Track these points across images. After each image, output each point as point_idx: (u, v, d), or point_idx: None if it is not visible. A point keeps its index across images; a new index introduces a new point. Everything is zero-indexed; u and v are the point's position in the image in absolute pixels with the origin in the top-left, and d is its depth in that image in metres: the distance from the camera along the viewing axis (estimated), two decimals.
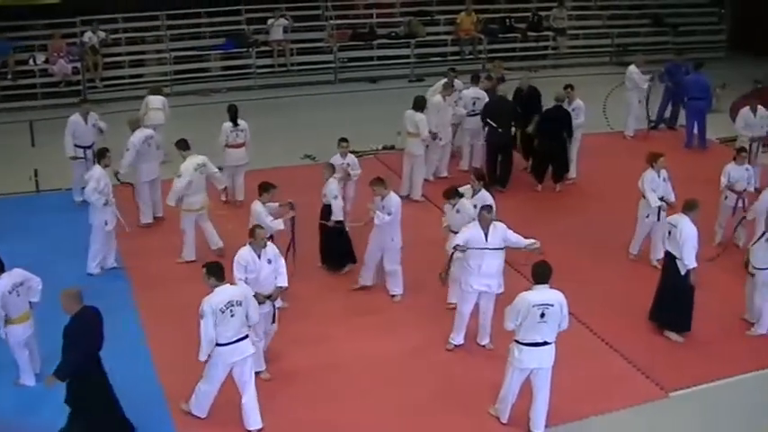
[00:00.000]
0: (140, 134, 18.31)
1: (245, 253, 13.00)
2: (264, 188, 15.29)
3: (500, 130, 20.41)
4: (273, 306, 13.26)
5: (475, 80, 22.13)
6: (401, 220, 15.80)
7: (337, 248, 16.75)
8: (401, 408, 13.11)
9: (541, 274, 12.13)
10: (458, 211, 15.18)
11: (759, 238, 15.01)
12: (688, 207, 14.80)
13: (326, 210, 16.45)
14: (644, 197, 17.09)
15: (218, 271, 11.97)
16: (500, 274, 14.20)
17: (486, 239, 13.87)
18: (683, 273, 14.67)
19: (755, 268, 15.03)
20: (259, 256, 12.99)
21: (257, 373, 12.74)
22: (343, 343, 14.70)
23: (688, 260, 14.50)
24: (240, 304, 11.81)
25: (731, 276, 16.29)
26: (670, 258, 14.87)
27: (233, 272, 12.84)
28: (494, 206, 14.77)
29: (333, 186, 16.33)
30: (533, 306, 11.88)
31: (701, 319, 15.14)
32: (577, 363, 13.79)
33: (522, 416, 12.68)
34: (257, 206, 15.09)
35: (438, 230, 15.85)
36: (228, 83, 29.18)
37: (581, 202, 20.74)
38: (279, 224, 15.00)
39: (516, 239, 14.12)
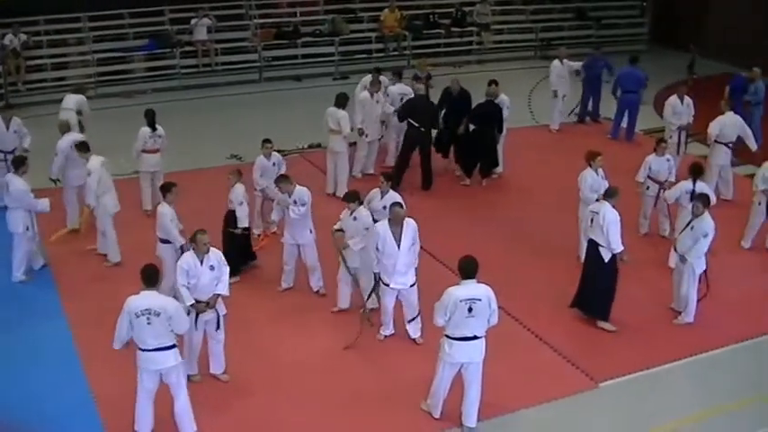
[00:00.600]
0: (69, 138, 18.04)
1: (187, 258, 12.88)
2: (167, 189, 15.14)
3: (422, 129, 20.47)
4: (217, 312, 13.12)
5: (397, 76, 22.20)
6: (327, 217, 15.82)
7: (239, 253, 16.42)
8: (333, 405, 13.16)
9: (468, 269, 12.20)
10: (354, 219, 15.16)
11: (685, 227, 15.25)
12: (608, 194, 15.12)
13: (231, 215, 16.25)
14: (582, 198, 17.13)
15: (147, 276, 11.80)
16: (413, 269, 14.34)
17: (399, 238, 13.97)
18: (606, 260, 14.90)
19: (683, 257, 15.27)
20: (201, 262, 12.84)
21: (189, 377, 12.71)
22: (272, 343, 14.69)
23: (615, 244, 14.74)
24: (158, 315, 11.52)
25: (658, 267, 16.56)
26: (592, 247, 15.06)
27: (176, 277, 12.86)
28: (404, 204, 14.85)
29: (239, 192, 16.15)
30: (460, 301, 11.96)
31: (628, 310, 15.42)
32: (507, 355, 13.91)
33: (454, 410, 12.75)
34: (163, 208, 14.93)
35: None
36: (153, 84, 28.89)
37: (508, 197, 20.93)
38: (177, 233, 14.88)
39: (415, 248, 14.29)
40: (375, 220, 15.13)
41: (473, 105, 21.24)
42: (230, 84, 29.56)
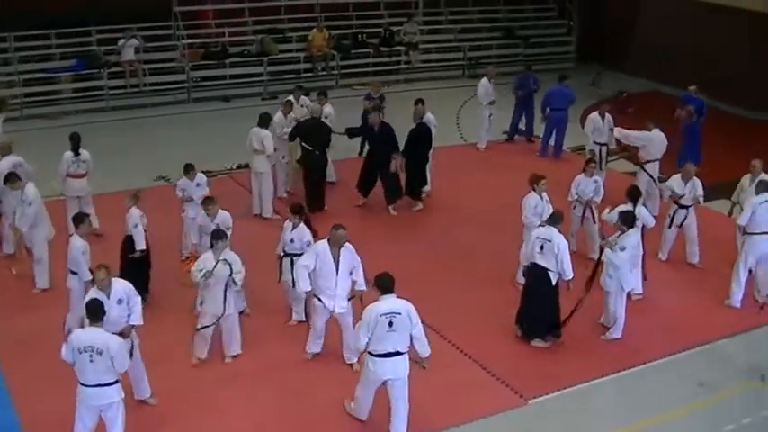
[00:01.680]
0: (7, 161, 17.71)
1: (92, 294, 12.58)
2: (80, 220, 14.91)
3: (316, 152, 20.39)
4: (132, 342, 12.90)
5: (322, 96, 22.16)
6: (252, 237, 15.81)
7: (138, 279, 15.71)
8: (258, 425, 13.18)
9: (385, 285, 12.33)
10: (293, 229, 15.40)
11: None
12: (554, 219, 15.25)
13: (129, 240, 16.05)
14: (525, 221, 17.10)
15: (93, 311, 11.63)
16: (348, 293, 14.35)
17: (338, 260, 13.96)
18: (554, 283, 15.12)
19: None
20: (108, 296, 12.63)
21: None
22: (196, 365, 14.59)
23: (568, 272, 14.99)
24: (101, 353, 11.34)
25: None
26: (538, 270, 15.18)
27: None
28: (311, 240, 15.04)
29: (134, 215, 15.93)
30: (380, 315, 12.07)
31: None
32: (437, 373, 13.93)
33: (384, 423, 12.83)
34: (75, 241, 14.67)
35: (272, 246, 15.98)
36: (80, 105, 28.62)
37: (434, 216, 20.95)
38: (86, 268, 14.51)
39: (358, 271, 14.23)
40: (287, 254, 15.39)
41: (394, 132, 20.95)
42: (158, 104, 29.39)
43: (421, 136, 20.96)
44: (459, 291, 17.26)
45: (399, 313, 12.17)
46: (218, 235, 14.27)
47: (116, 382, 11.65)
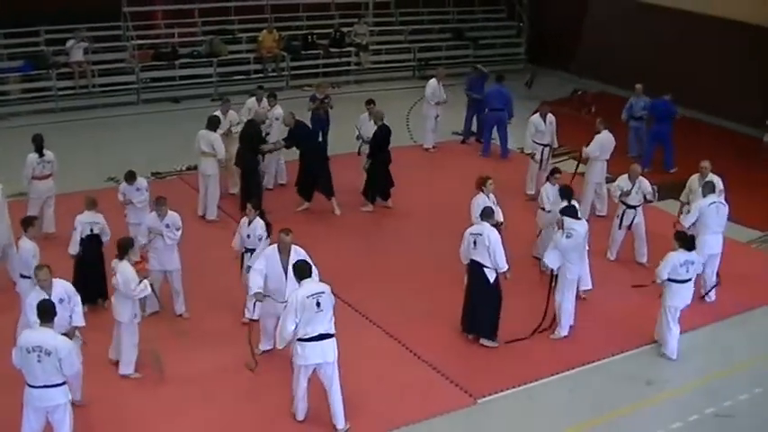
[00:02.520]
0: None
1: (34, 294, 12.57)
2: (29, 223, 14.90)
3: (247, 153, 20.39)
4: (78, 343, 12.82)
5: (272, 98, 22.21)
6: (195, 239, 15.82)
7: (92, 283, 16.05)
8: (213, 426, 13.19)
9: (302, 270, 12.78)
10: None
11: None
12: (486, 215, 15.35)
13: (81, 243, 16.04)
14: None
15: (43, 311, 11.59)
16: None
17: (286, 265, 13.98)
18: (491, 281, 15.14)
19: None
20: (50, 296, 12.52)
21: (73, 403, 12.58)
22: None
23: (501, 264, 15.00)
24: (49, 354, 11.25)
25: (536, 283, 16.75)
26: (476, 268, 15.24)
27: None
28: (263, 235, 15.28)
29: (77, 220, 15.94)
30: (307, 297, 12.35)
31: (507, 325, 15.63)
32: (386, 373, 14.12)
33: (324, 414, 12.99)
34: (25, 243, 14.62)
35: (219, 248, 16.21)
36: (29, 105, 28.37)
37: (384, 217, 21.07)
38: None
39: None
40: (248, 250, 15.57)
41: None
42: (108, 106, 29.14)
43: (384, 137, 21.04)
44: (408, 292, 17.34)
45: (323, 292, 12.53)
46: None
47: (63, 383, 11.59)
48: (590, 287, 16.96)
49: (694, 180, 18.65)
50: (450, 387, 14.36)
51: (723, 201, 17.42)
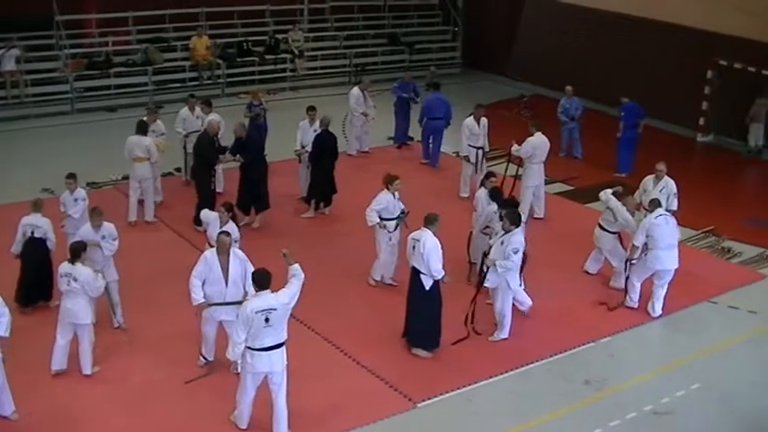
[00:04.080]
0: None
1: None
2: None
3: (201, 168, 20.20)
4: None
5: (207, 105, 22.17)
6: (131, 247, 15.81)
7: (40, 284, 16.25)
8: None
9: (261, 281, 12.61)
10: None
11: (496, 243, 15.72)
12: (428, 221, 15.31)
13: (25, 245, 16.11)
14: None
15: None
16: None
17: (227, 268, 14.00)
18: (427, 287, 15.17)
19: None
20: None
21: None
22: (82, 381, 14.40)
23: (435, 271, 14.99)
24: None
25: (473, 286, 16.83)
26: (415, 274, 15.29)
27: None
28: (238, 237, 15.34)
29: (21, 222, 16.04)
30: (256, 312, 12.27)
31: (447, 328, 15.70)
32: (326, 379, 14.16)
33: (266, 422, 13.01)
34: None
35: (176, 254, 16.19)
36: None
37: (320, 225, 21.08)
38: None
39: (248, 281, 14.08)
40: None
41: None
42: (41, 116, 28.82)
43: (327, 143, 21.00)
44: (347, 299, 17.41)
45: (275, 309, 12.42)
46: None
47: None
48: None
49: (648, 181, 18.92)
50: (391, 392, 14.42)
51: (669, 214, 17.53)
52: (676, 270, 17.14)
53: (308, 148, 21.39)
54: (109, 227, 15.56)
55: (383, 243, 17.57)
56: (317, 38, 36.02)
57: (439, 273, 15.04)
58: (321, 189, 21.28)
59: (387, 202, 17.23)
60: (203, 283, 13.98)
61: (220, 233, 14.35)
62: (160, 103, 28.83)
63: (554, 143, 21.64)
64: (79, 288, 13.91)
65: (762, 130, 27.55)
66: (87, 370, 14.33)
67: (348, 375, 14.91)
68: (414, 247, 15.19)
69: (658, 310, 17.29)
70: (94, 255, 15.11)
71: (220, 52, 32.90)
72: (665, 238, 16.88)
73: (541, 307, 17.01)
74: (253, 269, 13.71)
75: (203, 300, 13.96)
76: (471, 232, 18.04)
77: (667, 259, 16.98)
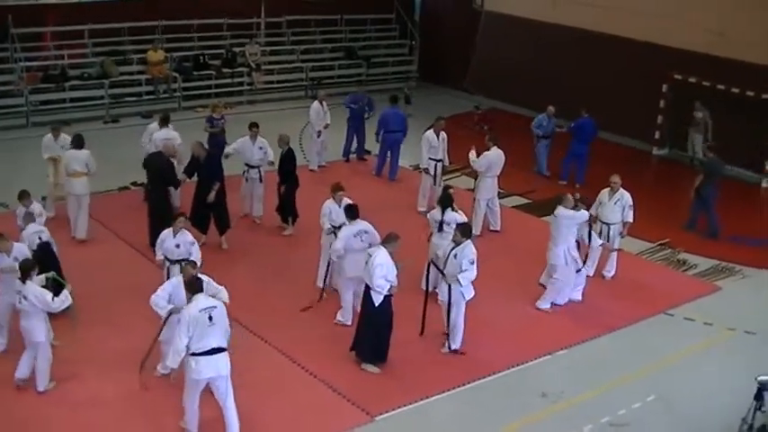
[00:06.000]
0: None
1: None
2: None
3: (149, 187, 20.07)
4: None
5: (164, 122, 21.91)
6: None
7: None
8: None
9: (194, 286, 12.88)
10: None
11: (448, 256, 15.78)
12: (387, 240, 15.34)
13: None
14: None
15: None
16: None
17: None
18: (377, 304, 15.15)
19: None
20: None
21: None
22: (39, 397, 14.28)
23: (377, 286, 14.97)
24: None
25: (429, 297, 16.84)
26: (367, 290, 15.30)
27: None
28: (194, 240, 15.75)
29: None
30: (200, 311, 12.43)
31: (402, 342, 15.75)
32: (282, 392, 14.18)
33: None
34: None
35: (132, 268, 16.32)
36: None
37: (275, 242, 20.95)
38: None
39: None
40: (174, 261, 15.67)
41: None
42: None
43: (289, 161, 20.87)
44: (303, 313, 17.35)
45: (215, 307, 12.62)
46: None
47: None
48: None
49: (604, 194, 19.09)
50: (348, 406, 14.39)
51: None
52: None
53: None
54: (20, 247, 15.14)
55: (325, 248, 17.59)
56: (274, 51, 35.98)
57: (379, 285, 14.97)
58: (293, 206, 21.11)
59: (331, 210, 17.36)
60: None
61: (187, 264, 14.29)
62: (117, 117, 28.77)
63: (512, 156, 21.64)
64: (30, 306, 13.76)
65: (700, 140, 27.67)
66: (41, 387, 14.21)
67: (305, 389, 14.86)
68: (366, 263, 15.22)
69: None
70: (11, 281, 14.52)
71: (176, 66, 32.80)
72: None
73: (497, 319, 17.13)
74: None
75: (171, 305, 13.70)
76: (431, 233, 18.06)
77: None
